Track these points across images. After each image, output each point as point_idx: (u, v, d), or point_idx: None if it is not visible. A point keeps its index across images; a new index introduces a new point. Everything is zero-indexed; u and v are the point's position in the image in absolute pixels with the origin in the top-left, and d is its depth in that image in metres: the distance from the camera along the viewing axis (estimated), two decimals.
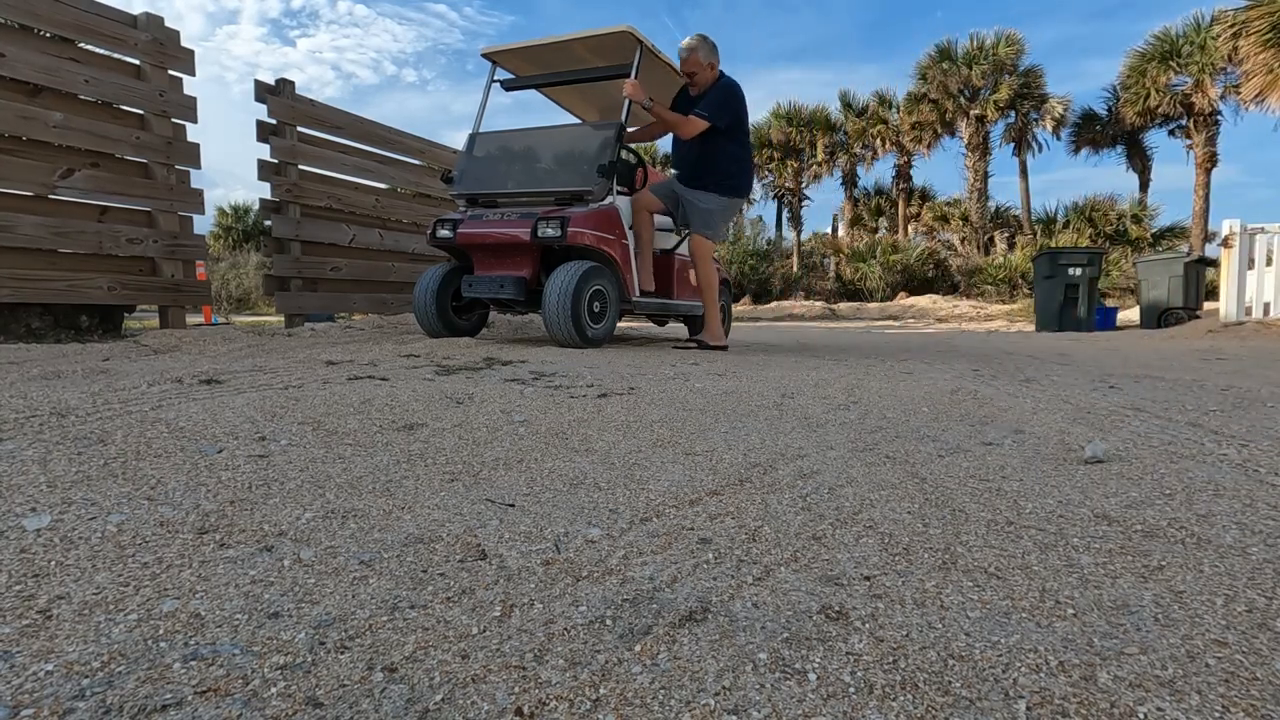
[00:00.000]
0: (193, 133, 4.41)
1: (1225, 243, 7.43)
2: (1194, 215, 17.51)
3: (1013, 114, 20.26)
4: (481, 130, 4.47)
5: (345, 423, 1.66)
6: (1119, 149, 20.40)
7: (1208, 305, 9.22)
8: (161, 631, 0.71)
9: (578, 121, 5.33)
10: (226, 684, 0.62)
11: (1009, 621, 0.76)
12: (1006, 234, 21.76)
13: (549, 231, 3.65)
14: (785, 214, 24.61)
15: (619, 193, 4.08)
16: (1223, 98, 16.83)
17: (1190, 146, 17.67)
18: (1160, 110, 17.80)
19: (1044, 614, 0.78)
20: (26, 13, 3.66)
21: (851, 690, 0.63)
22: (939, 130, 20.92)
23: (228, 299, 15.09)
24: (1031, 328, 9.92)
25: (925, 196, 24.55)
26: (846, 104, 22.83)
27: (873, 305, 16.69)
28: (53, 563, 0.86)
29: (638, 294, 4.13)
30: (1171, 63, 17.32)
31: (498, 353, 3.33)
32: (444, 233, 3.94)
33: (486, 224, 3.86)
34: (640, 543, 0.99)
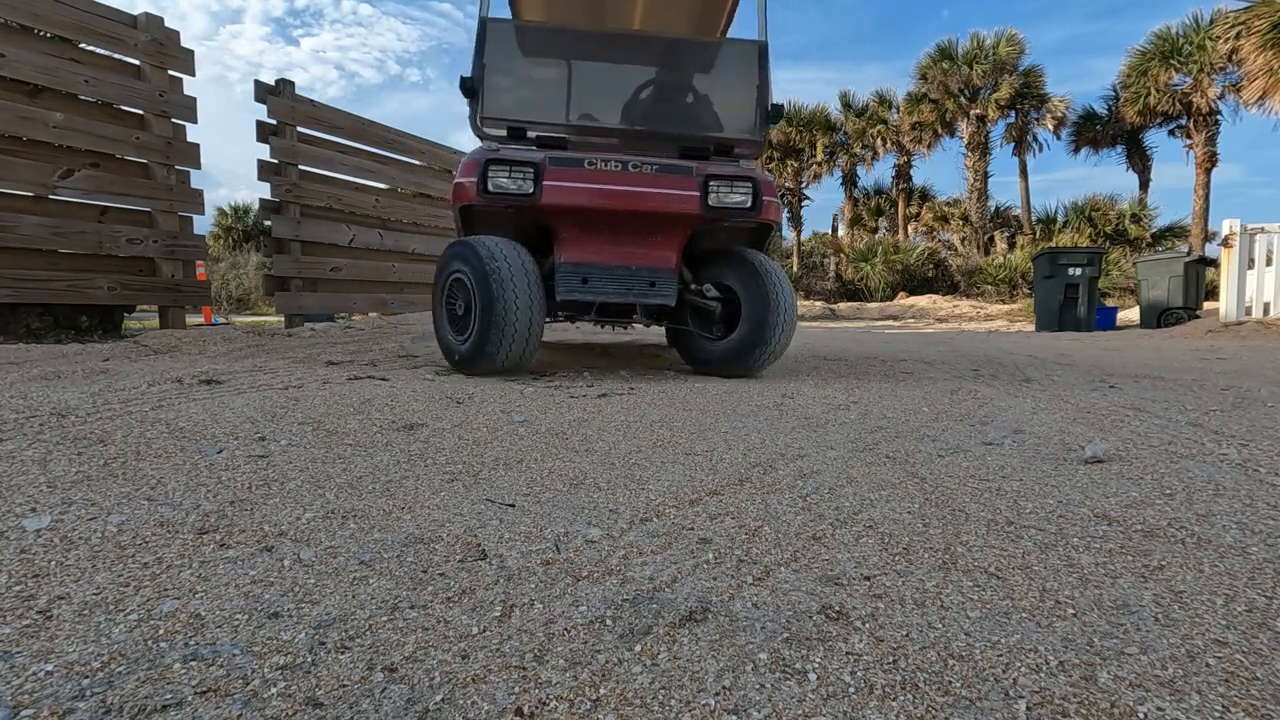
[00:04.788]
0: (194, 133, 4.42)
1: (1225, 243, 7.43)
2: (1194, 215, 17.51)
3: (1013, 114, 20.26)
4: (521, 19, 2.88)
5: (345, 423, 1.66)
6: (1119, 149, 20.40)
7: (1208, 305, 9.21)
8: (161, 631, 0.71)
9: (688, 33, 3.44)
10: (226, 684, 0.62)
11: (1009, 621, 0.76)
12: (1006, 234, 21.76)
13: (734, 198, 2.45)
14: (785, 214, 24.61)
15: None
16: (1222, 97, 16.83)
17: (1190, 146, 17.66)
18: (1160, 109, 17.80)
19: (1044, 614, 0.78)
20: (27, 13, 3.66)
21: (851, 690, 0.63)
22: (939, 130, 20.90)
23: (228, 299, 15.08)
24: (1031, 327, 9.92)
25: (925, 196, 24.54)
26: (846, 104, 22.82)
27: (873, 305, 16.67)
28: (53, 563, 0.86)
29: None
30: (1172, 62, 17.32)
31: None
32: (511, 182, 2.36)
33: (607, 176, 2.41)
34: (640, 543, 0.99)
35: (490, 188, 2.37)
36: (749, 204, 2.49)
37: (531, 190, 2.38)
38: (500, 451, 1.48)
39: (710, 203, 2.47)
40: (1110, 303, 13.92)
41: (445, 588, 0.83)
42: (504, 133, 2.66)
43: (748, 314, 2.61)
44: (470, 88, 2.60)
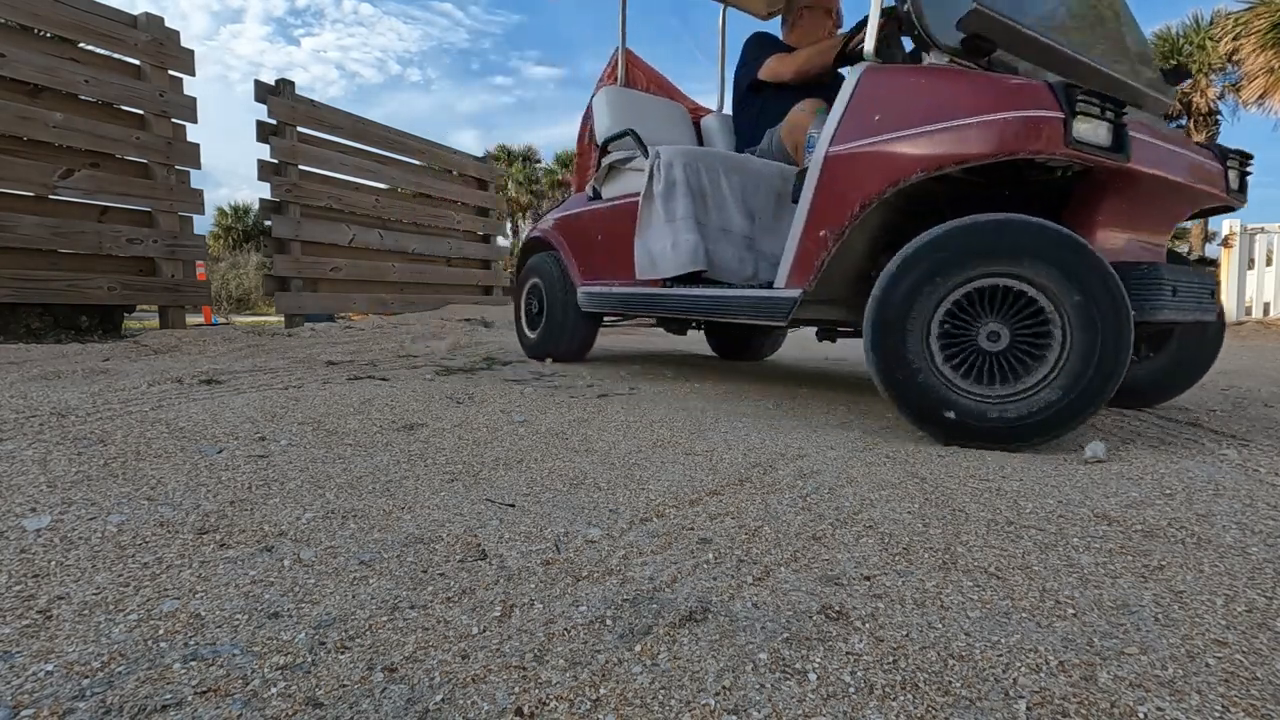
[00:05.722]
0: (194, 133, 4.43)
1: (1225, 243, 7.44)
2: None
3: None
4: None
5: (345, 423, 1.66)
6: None
7: None
8: (161, 631, 0.71)
9: None
10: (226, 684, 0.62)
11: (1009, 621, 0.76)
12: None
13: (1236, 179, 1.97)
14: None
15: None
16: (1221, 97, 16.84)
17: None
18: None
19: (1044, 614, 0.78)
20: (27, 13, 3.66)
21: (851, 690, 0.63)
22: None
23: (228, 299, 15.09)
24: None
25: None
26: None
27: None
28: (53, 563, 0.86)
29: None
30: (1172, 62, 17.33)
31: (498, 353, 3.34)
32: (1099, 131, 1.50)
33: (1158, 136, 1.73)
34: (640, 543, 0.99)
35: (1079, 136, 1.46)
36: (1239, 187, 1.96)
37: (1121, 147, 1.52)
38: (500, 451, 1.48)
39: (1231, 185, 1.90)
40: None
41: (445, 588, 0.83)
42: (957, 44, 1.67)
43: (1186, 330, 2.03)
44: None
